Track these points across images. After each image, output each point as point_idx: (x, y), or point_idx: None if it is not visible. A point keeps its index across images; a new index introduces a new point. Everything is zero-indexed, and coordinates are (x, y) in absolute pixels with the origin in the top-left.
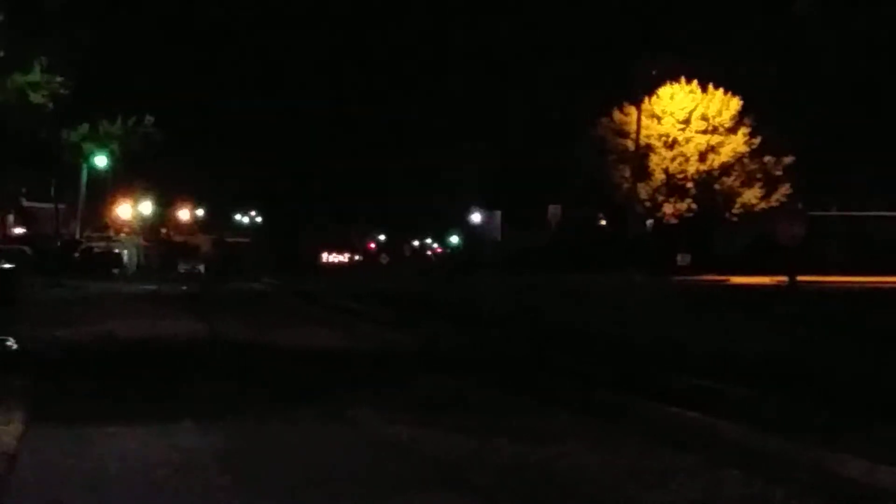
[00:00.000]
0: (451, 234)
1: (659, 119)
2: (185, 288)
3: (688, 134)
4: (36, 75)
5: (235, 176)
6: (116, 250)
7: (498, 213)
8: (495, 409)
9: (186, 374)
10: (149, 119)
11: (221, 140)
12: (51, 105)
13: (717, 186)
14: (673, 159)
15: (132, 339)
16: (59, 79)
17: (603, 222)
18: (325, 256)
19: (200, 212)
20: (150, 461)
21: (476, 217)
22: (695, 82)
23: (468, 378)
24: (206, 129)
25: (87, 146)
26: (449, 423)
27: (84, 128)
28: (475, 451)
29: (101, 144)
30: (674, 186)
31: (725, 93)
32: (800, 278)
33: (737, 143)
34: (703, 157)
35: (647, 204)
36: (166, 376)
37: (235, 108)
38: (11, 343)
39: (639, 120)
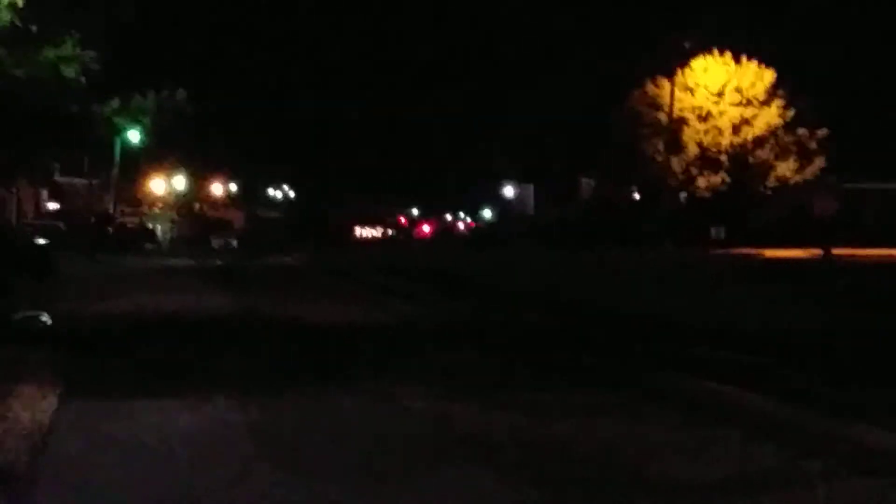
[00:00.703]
0: (484, 209)
1: (692, 91)
2: (218, 263)
3: (721, 107)
4: (68, 49)
5: (269, 150)
6: (150, 225)
7: (531, 187)
8: (528, 386)
9: (219, 349)
10: (181, 93)
11: (254, 114)
12: (83, 79)
13: (750, 159)
14: (706, 132)
15: (165, 314)
16: (91, 53)
17: (636, 196)
18: (357, 231)
19: (233, 186)
20: (185, 435)
21: (509, 191)
22: (728, 54)
23: (503, 356)
24: (240, 104)
25: (118, 120)
26: (481, 400)
27: (116, 102)
28: (506, 427)
29: (133, 119)
30: (707, 159)
31: (759, 65)
32: (835, 251)
33: (770, 116)
34: (736, 129)
35: (681, 177)
36: (200, 351)
37: (270, 83)
38: (46, 318)
39: (672, 92)
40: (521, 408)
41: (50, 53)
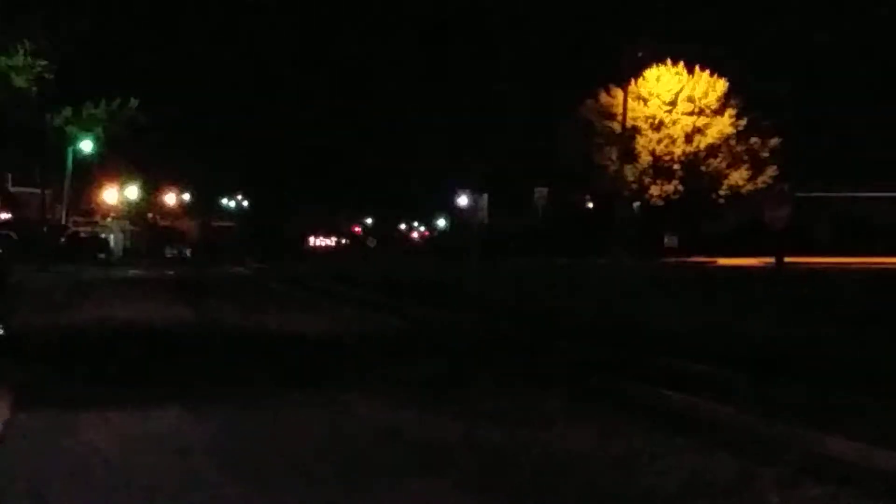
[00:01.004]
0: (438, 218)
1: (645, 101)
2: (171, 273)
3: (674, 116)
4: (19, 59)
5: (222, 160)
6: (103, 235)
7: (485, 196)
8: (486, 393)
9: (175, 359)
10: (133, 102)
11: (208, 124)
12: (35, 89)
13: (703, 168)
14: (659, 141)
15: (120, 324)
16: (42, 62)
17: (590, 205)
18: (311, 240)
19: (187, 196)
20: (139, 447)
21: (463, 200)
22: (681, 64)
23: (458, 362)
24: (193, 113)
25: (71, 130)
26: (439, 408)
27: (68, 111)
28: (465, 436)
29: (85, 128)
30: (660, 168)
31: (712, 75)
32: (787, 259)
33: (723, 125)
34: (689, 138)
35: (634, 186)
36: (155, 362)
37: (222, 92)
38: None
39: (625, 102)
40: (480, 416)
41: (1, 62)
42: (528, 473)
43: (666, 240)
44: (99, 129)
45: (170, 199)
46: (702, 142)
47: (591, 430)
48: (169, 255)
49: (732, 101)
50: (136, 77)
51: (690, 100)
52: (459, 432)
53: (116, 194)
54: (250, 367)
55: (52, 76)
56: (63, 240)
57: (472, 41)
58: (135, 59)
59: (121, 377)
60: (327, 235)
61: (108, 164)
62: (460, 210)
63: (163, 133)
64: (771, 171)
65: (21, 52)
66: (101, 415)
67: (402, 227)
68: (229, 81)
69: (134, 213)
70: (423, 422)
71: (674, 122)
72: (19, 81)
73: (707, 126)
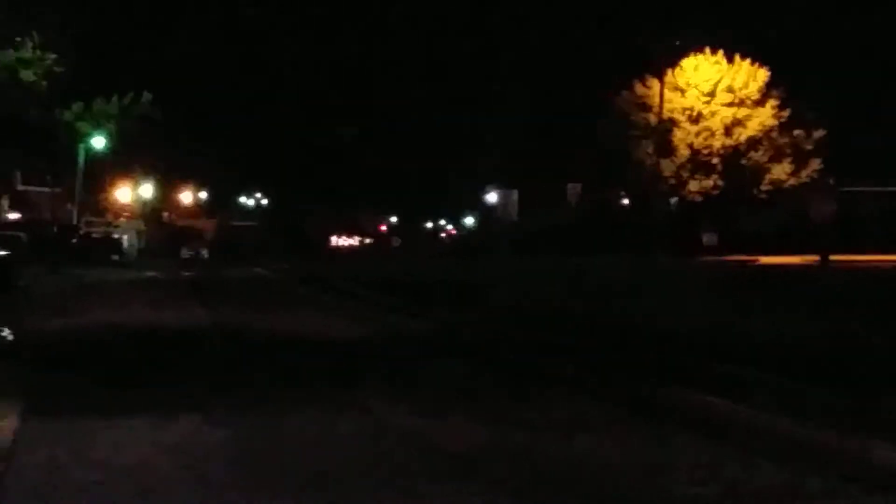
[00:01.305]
0: (466, 216)
1: (683, 92)
2: (187, 274)
3: (713, 107)
4: (27, 52)
5: (240, 157)
6: (116, 235)
7: (514, 193)
8: (513, 399)
9: (190, 364)
10: (146, 97)
11: (226, 120)
12: (44, 83)
13: (744, 162)
14: (698, 134)
15: (133, 328)
16: (52, 56)
17: (625, 201)
18: (334, 240)
19: (204, 194)
20: (153, 456)
21: (492, 197)
22: (720, 53)
23: (485, 367)
24: (210, 109)
25: (81, 126)
26: (464, 413)
27: (78, 106)
28: (490, 442)
29: (97, 124)
30: (699, 162)
31: (753, 63)
32: (833, 257)
33: (765, 117)
34: (729, 131)
35: (671, 181)
36: (169, 367)
37: (240, 87)
38: (6, 333)
39: (661, 93)
40: (507, 422)
41: (7, 56)
42: (560, 482)
43: (705, 238)
44: (111, 125)
45: (186, 197)
46: (742, 134)
47: (629, 436)
48: (185, 256)
49: (774, 91)
50: (151, 72)
51: (730, 90)
52: (490, 439)
53: (130, 193)
54: (269, 372)
55: (62, 70)
56: (75, 241)
57: (501, 30)
58: (149, 54)
59: (134, 383)
60: (350, 235)
61: (122, 162)
62: (489, 207)
63: (179, 129)
64: (815, 164)
65: (29, 44)
66: (114, 422)
67: (429, 225)
68: (249, 76)
69: (149, 213)
70: (451, 428)
71: (713, 114)
72: (27, 75)
73: (748, 118)
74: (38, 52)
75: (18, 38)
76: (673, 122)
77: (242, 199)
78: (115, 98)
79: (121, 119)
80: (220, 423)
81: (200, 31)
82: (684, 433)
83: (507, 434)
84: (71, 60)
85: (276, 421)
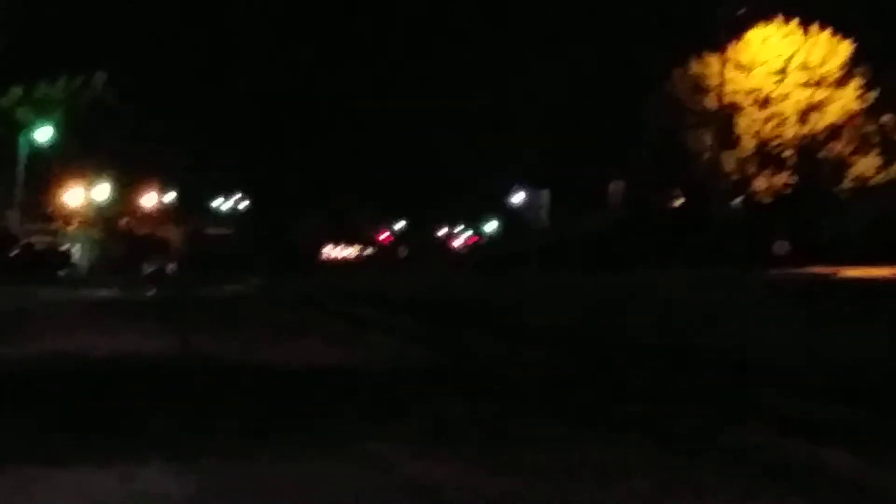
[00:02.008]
0: (488, 220)
1: (748, 70)
2: (151, 293)
3: (784, 88)
4: None
5: (214, 151)
6: (64, 247)
7: (545, 192)
8: (541, 441)
9: (154, 403)
10: (100, 77)
11: (196, 107)
12: None
13: (822, 154)
14: (766, 121)
15: (86, 360)
16: None
17: (678, 202)
18: (327, 250)
19: (170, 196)
20: None
21: (518, 197)
22: (794, 22)
23: (505, 403)
24: (177, 93)
25: (21, 113)
26: (482, 459)
27: (17, 91)
28: (515, 494)
29: (40, 111)
30: (767, 155)
31: (833, 35)
32: None
33: (848, 99)
34: (803, 117)
35: (734, 178)
36: (129, 407)
37: (213, 66)
38: None
39: (722, 72)
40: (526, 470)
41: None
42: None
43: (775, 245)
44: (57, 113)
45: (149, 200)
46: (820, 121)
47: (675, 486)
48: (148, 272)
49: (859, 69)
50: (106, 50)
51: (805, 67)
52: (510, 490)
53: (81, 195)
54: (249, 413)
55: None
56: (14, 253)
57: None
58: (102, 29)
59: (86, 426)
60: (348, 244)
61: (72, 158)
62: (515, 210)
63: (140, 119)
64: None
65: None
66: (59, 473)
67: (444, 231)
68: (224, 56)
69: (104, 219)
70: (465, 478)
71: (784, 97)
72: None
73: (827, 101)
74: None
75: None
76: (736, 107)
77: (217, 203)
78: (62, 80)
79: (69, 105)
80: (189, 473)
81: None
82: (743, 477)
83: (532, 484)
84: (7, 36)
85: (256, 468)
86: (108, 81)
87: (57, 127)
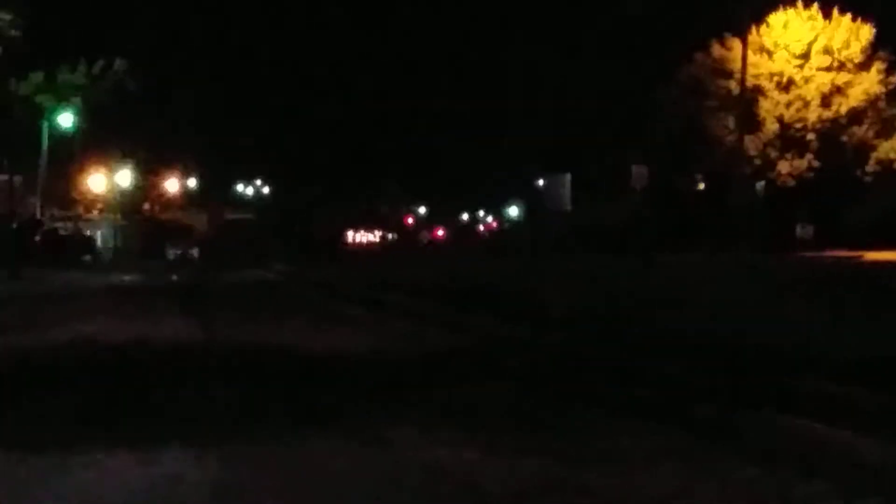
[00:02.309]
0: (510, 206)
1: (770, 54)
2: (174, 278)
3: (807, 72)
4: None
5: (236, 136)
6: (88, 232)
7: (567, 177)
8: (566, 427)
9: (177, 388)
10: (120, 64)
11: (218, 92)
12: None
13: (844, 138)
14: (788, 105)
15: (108, 346)
16: (6, 16)
17: (701, 186)
18: (350, 235)
19: (193, 182)
20: (128, 499)
21: (540, 182)
22: (815, 6)
23: (532, 389)
24: (200, 79)
25: (42, 99)
26: (509, 445)
27: (38, 77)
28: (542, 481)
29: (61, 97)
30: (790, 139)
31: (854, 19)
32: None
33: (870, 83)
34: (826, 100)
35: (757, 162)
36: (151, 392)
37: (234, 50)
38: None
39: (744, 55)
40: (551, 454)
41: None
42: None
43: (798, 229)
44: (78, 99)
45: (171, 185)
46: (843, 105)
47: (700, 473)
48: (171, 257)
49: (882, 53)
50: (127, 35)
51: (828, 51)
52: (537, 475)
53: (104, 181)
54: (272, 398)
55: (19, 33)
56: (38, 238)
57: None
58: (126, 14)
59: (108, 413)
60: (370, 229)
61: (94, 144)
62: (537, 195)
63: (162, 104)
64: None
65: None
66: (81, 459)
67: (465, 217)
68: (245, 39)
69: (127, 205)
70: (489, 463)
71: (806, 81)
72: None
73: (849, 85)
74: None
75: None
76: (758, 91)
77: (240, 188)
78: (82, 66)
79: (90, 91)
80: (212, 460)
81: None
82: (764, 463)
83: (558, 469)
84: (28, 21)
85: (280, 457)
86: (129, 67)
87: (78, 113)
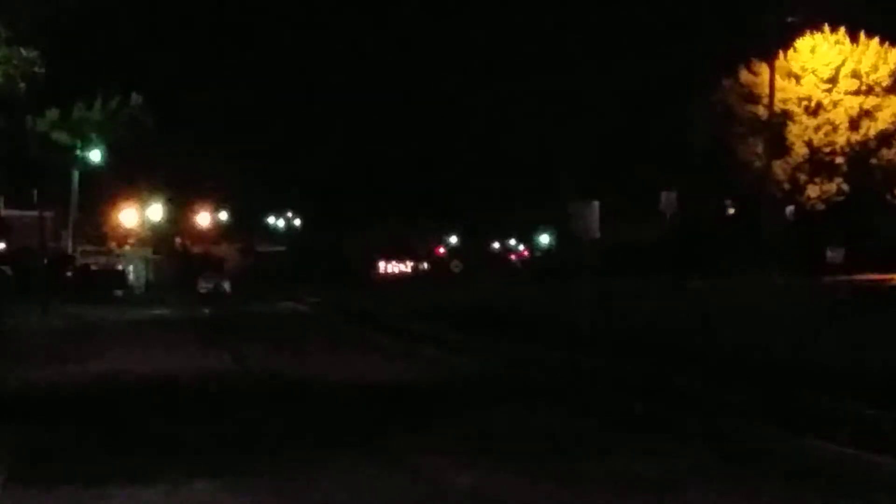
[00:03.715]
0: (541, 233)
1: (798, 79)
2: (207, 311)
3: (835, 96)
4: None
5: (267, 170)
6: (119, 266)
7: (595, 205)
8: (593, 449)
9: (209, 420)
10: (136, 99)
11: (248, 125)
12: (22, 85)
13: (874, 161)
14: (817, 129)
15: (140, 379)
16: (27, 53)
17: (731, 211)
18: (381, 266)
19: (224, 215)
20: None
21: (569, 209)
22: (842, 30)
23: (560, 413)
24: (229, 114)
25: (58, 136)
26: (535, 470)
27: (53, 113)
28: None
29: (76, 133)
30: (819, 163)
31: (882, 43)
32: None
33: None
34: (855, 124)
35: (786, 186)
36: (182, 424)
37: (264, 84)
38: None
39: (772, 80)
40: (589, 480)
41: None
42: None
43: (828, 253)
44: (93, 135)
45: (203, 219)
46: (871, 128)
47: (729, 492)
48: (203, 290)
49: None
50: (153, 70)
51: (856, 75)
52: (561, 500)
53: (136, 215)
54: (303, 428)
55: (42, 70)
56: (70, 274)
57: (582, 18)
58: (147, 49)
59: (139, 446)
60: (401, 259)
61: (125, 178)
62: (566, 222)
63: (193, 139)
64: None
65: None
66: (109, 492)
67: (496, 245)
68: (276, 71)
69: (158, 238)
70: (519, 490)
71: (835, 105)
72: None
73: (877, 108)
74: (3, 50)
75: None
76: (787, 115)
77: (270, 220)
78: (98, 102)
79: (107, 126)
80: (242, 491)
81: (219, 18)
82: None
83: (588, 492)
84: (46, 59)
85: (310, 483)
86: (147, 102)
87: (97, 148)
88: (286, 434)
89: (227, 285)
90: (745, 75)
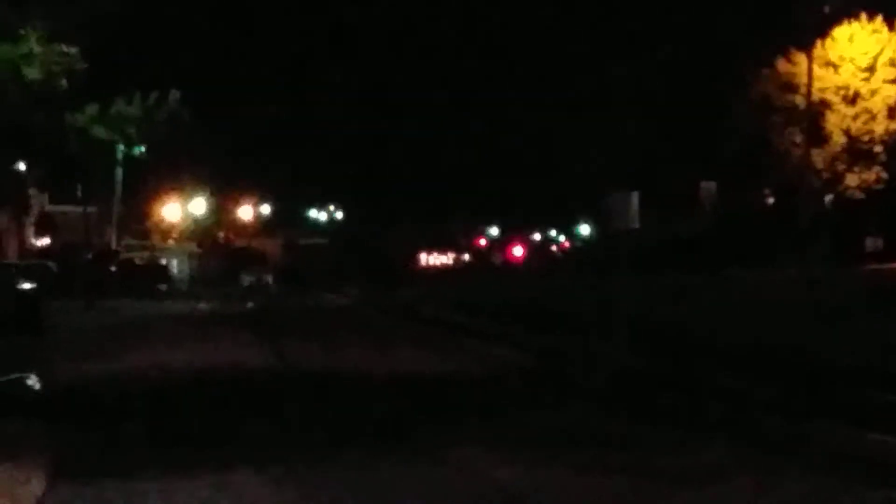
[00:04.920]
0: (581, 224)
1: (835, 67)
2: (249, 305)
3: (873, 85)
4: (30, 45)
5: (309, 163)
6: (163, 261)
7: (635, 195)
8: (634, 443)
9: (252, 413)
10: (174, 94)
11: (289, 120)
12: (63, 82)
13: None
14: (855, 117)
15: (183, 373)
16: (67, 49)
17: (770, 200)
18: (423, 258)
19: (266, 209)
20: None
21: (608, 201)
22: (879, 18)
23: (600, 406)
24: (270, 108)
25: (97, 131)
26: (576, 463)
27: (93, 108)
28: (611, 498)
29: (115, 128)
30: (858, 152)
31: None
32: None
33: None
34: (893, 112)
35: (825, 175)
36: (226, 418)
37: (305, 77)
38: (34, 381)
39: (810, 69)
40: (631, 472)
41: (7, 51)
42: None
43: (868, 242)
44: (132, 130)
45: (245, 213)
46: None
47: (769, 484)
48: (246, 284)
49: None
50: (196, 67)
51: (893, 64)
52: (604, 493)
53: (179, 210)
54: (346, 422)
55: (84, 66)
56: (113, 269)
57: (619, 9)
58: (187, 46)
59: (184, 440)
60: (443, 251)
61: (168, 174)
62: (605, 213)
63: (235, 134)
64: None
65: (31, 37)
66: (154, 485)
67: (537, 237)
68: (318, 67)
69: (201, 233)
70: (563, 483)
71: (873, 93)
72: (30, 73)
73: None
74: (44, 46)
75: (23, 31)
76: (825, 105)
77: (312, 214)
78: (137, 98)
79: (145, 121)
80: (286, 483)
81: (254, 17)
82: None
83: (630, 485)
84: (84, 54)
85: (352, 476)
86: (186, 98)
87: (137, 144)
88: (328, 428)
89: (269, 278)
90: (782, 65)
